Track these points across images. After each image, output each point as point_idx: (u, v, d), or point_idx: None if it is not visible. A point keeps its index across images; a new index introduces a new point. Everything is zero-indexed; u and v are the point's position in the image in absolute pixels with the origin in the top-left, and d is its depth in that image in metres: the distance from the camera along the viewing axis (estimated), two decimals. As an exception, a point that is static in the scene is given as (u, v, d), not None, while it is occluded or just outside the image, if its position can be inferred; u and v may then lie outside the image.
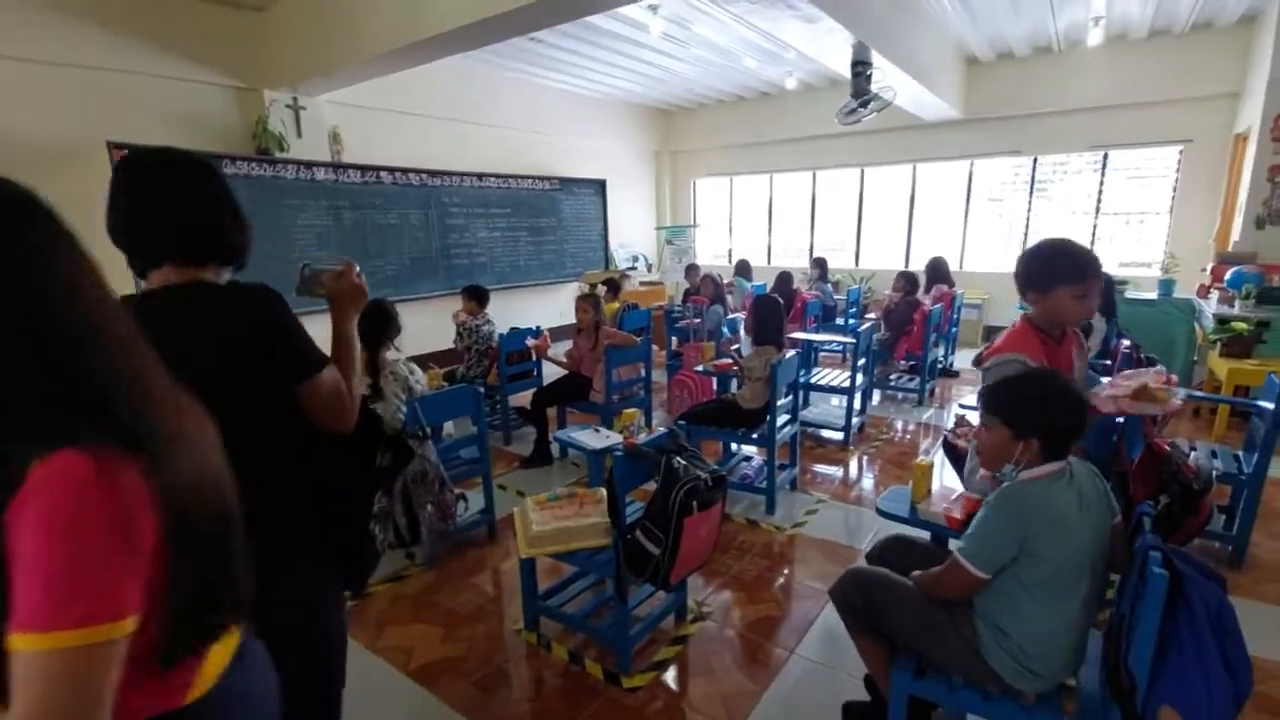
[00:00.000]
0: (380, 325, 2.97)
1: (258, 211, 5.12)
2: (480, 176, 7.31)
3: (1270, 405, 2.83)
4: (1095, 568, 1.51)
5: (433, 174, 6.78)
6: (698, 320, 5.91)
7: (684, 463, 2.05)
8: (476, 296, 4.70)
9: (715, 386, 4.37)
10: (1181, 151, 6.83)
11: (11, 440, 0.63)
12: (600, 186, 8.91)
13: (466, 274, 7.12)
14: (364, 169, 6.14)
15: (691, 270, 7.58)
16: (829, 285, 7.18)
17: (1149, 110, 6.78)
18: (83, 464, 0.63)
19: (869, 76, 5.13)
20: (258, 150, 5.35)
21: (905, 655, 1.69)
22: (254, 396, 1.14)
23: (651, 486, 2.12)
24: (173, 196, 1.15)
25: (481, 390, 3.49)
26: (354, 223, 6.12)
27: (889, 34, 5.08)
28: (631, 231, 9.85)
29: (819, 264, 7.25)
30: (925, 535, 2.14)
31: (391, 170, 6.38)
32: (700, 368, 4.12)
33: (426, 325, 5.97)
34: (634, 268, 9.40)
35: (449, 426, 3.48)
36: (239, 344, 1.13)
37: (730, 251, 10.35)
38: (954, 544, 1.72)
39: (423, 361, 3.80)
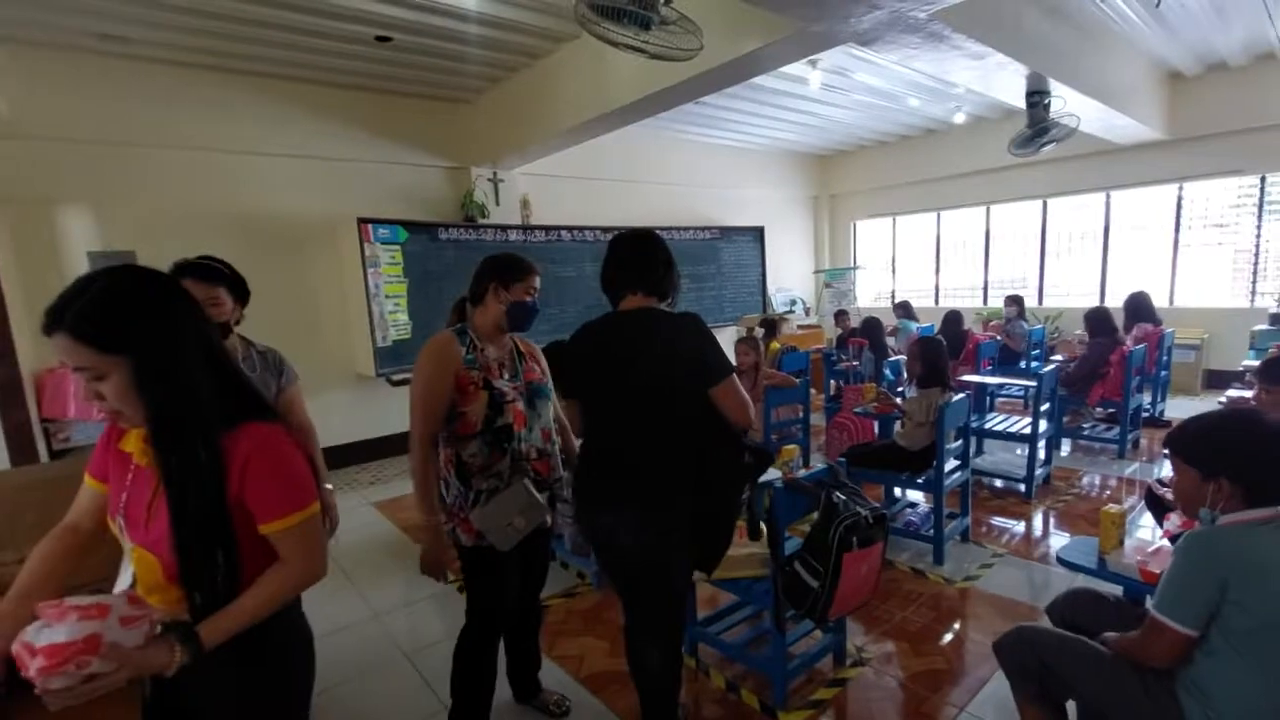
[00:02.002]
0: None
1: (462, 268, 5.98)
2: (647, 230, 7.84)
3: None
4: None
5: (605, 229, 7.41)
6: (855, 363, 5.80)
7: (844, 498, 2.11)
8: None
9: (876, 430, 4.28)
10: None
11: (211, 423, 1.06)
12: (758, 233, 9.11)
13: (630, 320, 7.59)
14: (547, 229, 6.92)
15: (841, 316, 7.44)
16: (1024, 324, 6.63)
17: None
18: (269, 428, 1.12)
19: (1047, 105, 4.85)
20: (465, 218, 6.28)
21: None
22: (686, 393, 1.69)
23: (810, 520, 2.19)
24: (641, 255, 1.81)
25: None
26: (542, 278, 6.86)
27: (1068, 60, 4.79)
28: (789, 276, 9.89)
29: (1015, 301, 6.76)
30: (1117, 590, 1.98)
31: (570, 229, 7.11)
32: (860, 409, 4.07)
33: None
34: (791, 311, 9.40)
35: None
36: (685, 351, 1.69)
37: (893, 293, 9.97)
38: (1150, 601, 1.61)
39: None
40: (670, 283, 1.82)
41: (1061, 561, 1.97)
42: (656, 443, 1.72)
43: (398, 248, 5.69)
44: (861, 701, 2.38)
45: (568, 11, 4.22)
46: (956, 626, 2.83)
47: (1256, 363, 4.91)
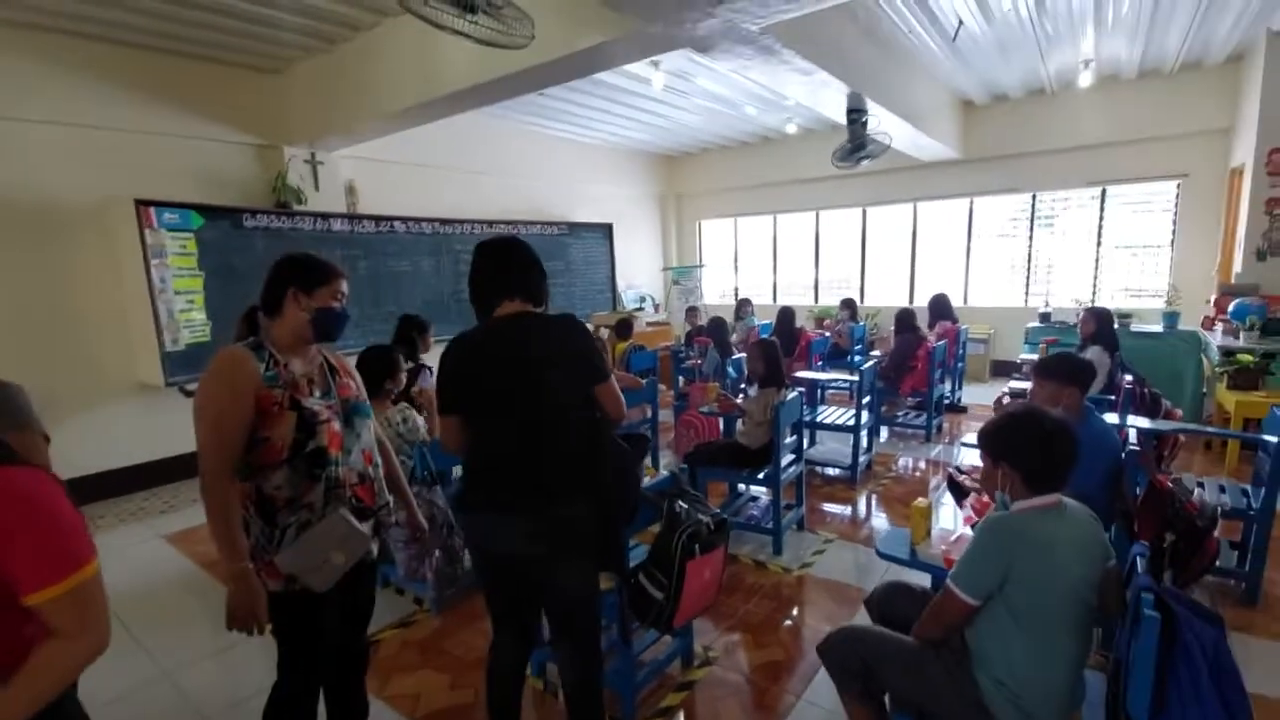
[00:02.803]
0: (379, 373, 3.04)
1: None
2: (490, 223, 7.50)
3: (1275, 439, 2.83)
4: (1088, 607, 1.53)
5: (444, 222, 6.98)
6: (699, 361, 5.97)
7: (686, 507, 2.09)
8: None
9: (722, 426, 4.41)
10: (1179, 186, 6.93)
11: None
12: (607, 230, 9.11)
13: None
14: (378, 219, 6.35)
15: (692, 313, 7.68)
16: (854, 325, 7.23)
17: (1144, 146, 6.90)
18: (12, 472, 0.93)
19: (865, 123, 5.29)
20: (277, 204, 5.56)
21: (901, 715, 1.70)
22: (579, 392, 1.78)
23: (654, 529, 2.15)
24: (516, 263, 1.82)
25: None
26: (369, 270, 6.29)
27: (883, 83, 5.26)
28: (639, 273, 10.02)
29: (848, 305, 7.34)
30: (926, 581, 2.15)
31: (404, 219, 6.58)
32: (704, 408, 4.16)
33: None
34: (641, 308, 9.53)
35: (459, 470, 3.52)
36: (575, 351, 1.77)
37: (736, 290, 10.48)
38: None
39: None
40: (545, 288, 1.85)
41: (880, 554, 2.09)
42: (557, 443, 1.75)
43: (190, 235, 4.88)
44: (708, 701, 2.39)
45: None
46: (795, 613, 2.97)
47: (1032, 356, 5.77)
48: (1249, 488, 3.09)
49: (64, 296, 4.60)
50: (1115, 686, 1.45)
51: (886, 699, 1.77)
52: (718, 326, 6.00)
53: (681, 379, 6.51)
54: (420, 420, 3.18)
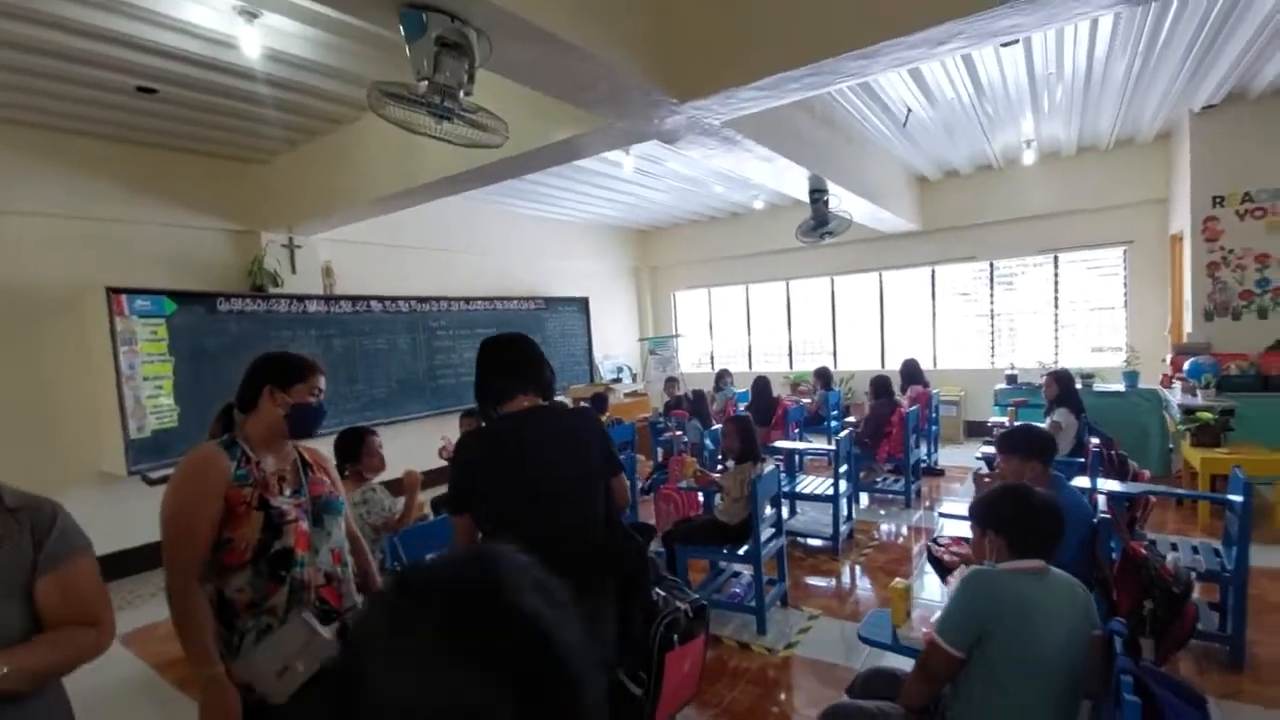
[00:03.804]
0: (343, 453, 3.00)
1: (249, 344, 5.27)
2: (467, 300, 7.60)
3: (1239, 499, 2.89)
4: (1072, 674, 1.52)
5: (421, 300, 7.05)
6: (680, 433, 5.98)
7: (664, 594, 2.04)
8: (475, 415, 4.76)
9: (701, 499, 4.37)
10: (1125, 251, 7.31)
11: None
12: (583, 304, 9.26)
13: (454, 394, 7.22)
14: (354, 299, 6.39)
15: (670, 383, 7.74)
16: (832, 391, 7.36)
17: (1089, 216, 7.31)
18: None
19: (826, 201, 5.55)
20: (252, 287, 5.58)
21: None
22: (599, 484, 1.83)
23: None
24: (529, 359, 1.84)
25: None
26: (344, 349, 6.28)
27: (841, 165, 5.56)
28: (616, 344, 10.13)
29: (821, 375, 7.46)
30: (908, 665, 2.11)
31: (381, 299, 6.64)
32: (683, 483, 4.14)
33: (413, 446, 5.97)
34: (619, 379, 9.57)
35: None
36: (596, 444, 1.84)
37: (712, 357, 10.62)
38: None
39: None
40: (554, 382, 1.89)
41: (862, 639, 2.06)
42: (581, 534, 1.78)
43: (162, 321, 4.86)
44: (695, 803, 2.27)
45: (365, 81, 4.07)
46: (781, 698, 2.87)
47: (1002, 418, 5.89)
48: (1220, 546, 3.13)
49: (35, 386, 4.52)
50: (1104, 772, 1.43)
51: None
52: (699, 399, 6.05)
53: (660, 450, 6.48)
54: (388, 501, 3.09)
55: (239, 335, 5.33)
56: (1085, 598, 1.65)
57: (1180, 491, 4.68)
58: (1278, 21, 4.00)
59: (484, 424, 1.86)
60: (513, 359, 1.82)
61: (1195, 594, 2.58)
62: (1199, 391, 5.21)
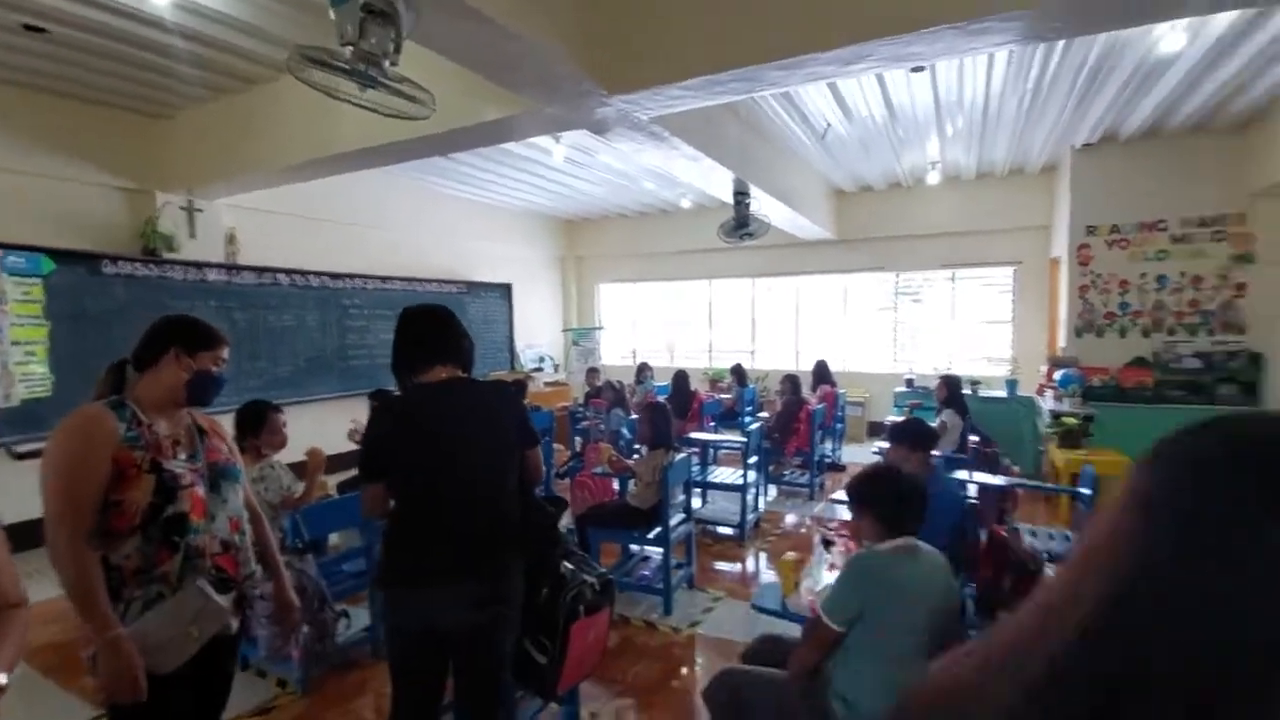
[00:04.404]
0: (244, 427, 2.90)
1: (141, 312, 4.89)
2: (384, 279, 7.36)
3: (1088, 491, 3.27)
4: (935, 635, 1.69)
5: (334, 276, 6.77)
6: (597, 421, 6.05)
7: (571, 568, 2.10)
8: (384, 396, 4.63)
9: (616, 486, 4.45)
10: (1015, 271, 7.99)
11: None
12: (506, 290, 9.16)
13: (367, 375, 6.98)
14: (260, 270, 6.06)
15: (592, 374, 7.80)
16: (747, 388, 7.60)
17: (985, 236, 7.94)
18: None
19: (748, 204, 5.77)
20: (144, 250, 5.19)
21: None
22: (514, 456, 1.85)
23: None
24: (448, 331, 1.85)
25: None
26: (246, 323, 5.95)
27: (763, 170, 5.79)
28: (538, 333, 10.07)
29: (737, 372, 7.69)
30: (797, 631, 2.28)
31: (289, 272, 6.32)
32: (598, 469, 4.21)
33: (320, 428, 5.73)
34: (540, 368, 9.54)
35: (335, 538, 3.33)
36: (513, 416, 1.86)
37: (634, 352, 10.75)
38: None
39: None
40: (473, 355, 1.89)
41: (754, 607, 2.20)
42: (495, 506, 1.79)
43: (38, 281, 4.45)
44: (594, 773, 2.34)
45: (286, 42, 3.89)
46: (683, 673, 2.99)
47: (899, 418, 6.32)
48: (1070, 533, 3.52)
49: None
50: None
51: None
52: (620, 390, 6.14)
53: (579, 439, 6.53)
54: (286, 479, 3.00)
55: (127, 301, 4.95)
56: (949, 572, 1.84)
57: (1041, 485, 5.20)
58: (1143, 73, 4.51)
59: (399, 393, 1.85)
60: (432, 329, 1.83)
61: (1049, 573, 2.91)
62: (1066, 400, 5.79)
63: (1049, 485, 5.03)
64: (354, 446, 4.74)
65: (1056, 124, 5.68)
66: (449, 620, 1.71)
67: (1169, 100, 5.05)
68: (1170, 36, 3.69)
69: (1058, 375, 6.04)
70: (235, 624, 1.69)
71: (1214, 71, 4.48)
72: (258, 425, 2.95)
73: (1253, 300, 5.83)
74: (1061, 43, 3.95)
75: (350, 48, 2.18)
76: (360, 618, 3.11)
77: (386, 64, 2.26)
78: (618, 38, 3.17)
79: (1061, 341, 6.74)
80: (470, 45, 2.68)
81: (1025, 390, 6.78)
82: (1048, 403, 6.07)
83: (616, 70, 3.20)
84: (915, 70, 4.27)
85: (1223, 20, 3.65)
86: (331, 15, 2.16)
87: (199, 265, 5.56)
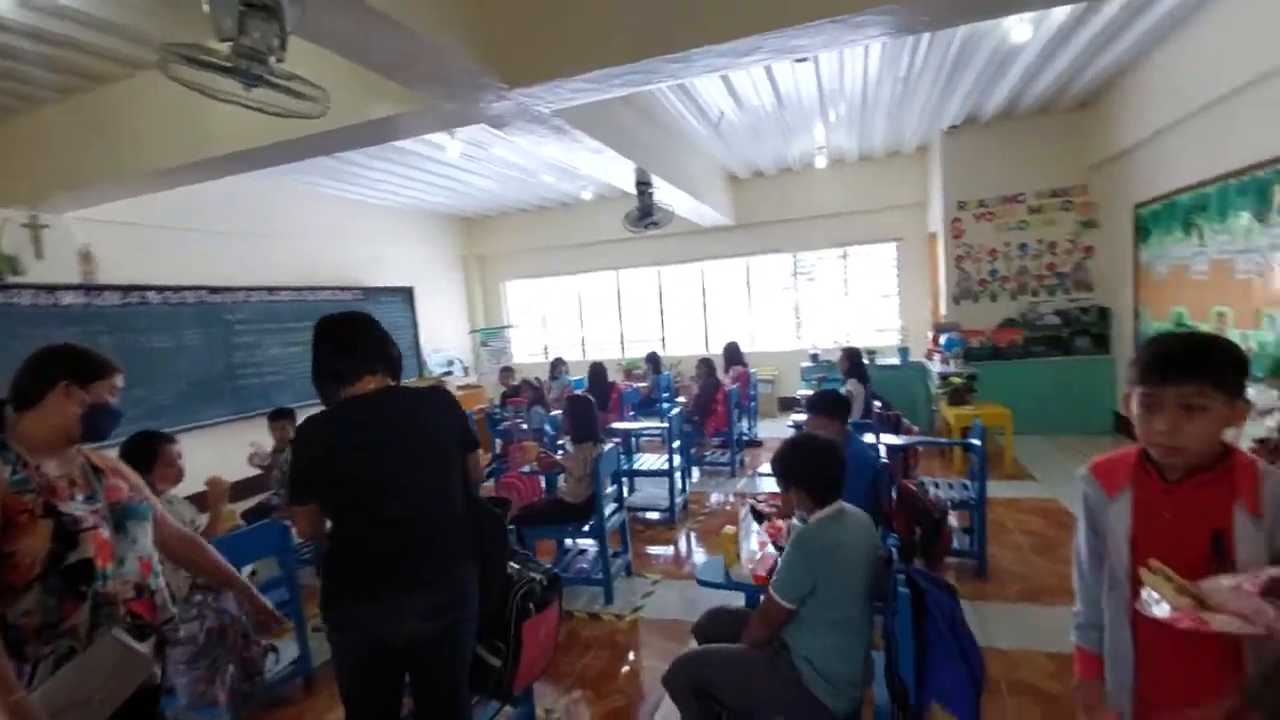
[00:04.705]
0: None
1: (-20, 346, 4.32)
2: (271, 290, 6.87)
3: (978, 442, 3.60)
4: (869, 587, 1.84)
5: (213, 290, 6.24)
6: (518, 420, 5.97)
7: (517, 566, 2.10)
8: (285, 416, 4.35)
9: (544, 484, 4.43)
10: (897, 246, 8.60)
11: None
12: (408, 294, 8.80)
13: (261, 395, 6.52)
14: (125, 289, 5.49)
15: (506, 373, 7.68)
16: (663, 375, 7.71)
17: (870, 215, 8.48)
18: None
19: (651, 194, 5.86)
20: (-20, 276, 4.57)
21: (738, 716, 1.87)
22: (456, 460, 1.81)
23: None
24: (375, 338, 1.78)
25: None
26: (115, 348, 5.20)
27: (663, 160, 5.90)
28: (445, 336, 9.75)
29: (652, 360, 7.76)
30: (741, 599, 2.39)
31: (160, 289, 5.77)
32: (526, 468, 4.17)
33: (217, 455, 5.30)
34: (450, 372, 9.26)
35: (251, 567, 3.11)
36: (453, 421, 1.83)
37: (546, 348, 10.66)
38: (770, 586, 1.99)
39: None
40: (401, 362, 1.85)
41: (700, 581, 2.29)
42: (445, 513, 1.76)
43: None
44: (554, 768, 2.35)
45: (144, 37, 3.53)
46: (631, 658, 3.05)
47: (808, 390, 6.66)
48: (968, 483, 3.87)
49: None
50: (890, 658, 1.76)
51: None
52: (534, 386, 6.07)
53: (499, 441, 6.41)
54: (188, 513, 2.79)
55: (-37, 335, 4.35)
56: (872, 527, 1.99)
57: (937, 440, 5.68)
58: (998, 60, 4.98)
59: (325, 408, 1.75)
60: (355, 338, 1.74)
61: (952, 520, 3.20)
62: (951, 362, 6.33)
63: (944, 440, 5.49)
64: (257, 471, 4.47)
65: (926, 108, 6.15)
66: (404, 635, 1.65)
67: (1020, 85, 5.60)
68: (1019, 28, 4.10)
69: (942, 340, 6.58)
70: (159, 672, 1.57)
71: (1055, 59, 5.02)
72: (149, 459, 2.69)
73: (1099, 261, 6.61)
74: (928, 35, 4.29)
75: (229, 43, 2.03)
76: (289, 650, 2.93)
77: (272, 60, 2.12)
78: (516, 31, 3.13)
79: (943, 309, 7.35)
80: (362, 41, 2.55)
81: (915, 356, 7.34)
82: (936, 366, 6.61)
83: (516, 63, 3.16)
84: (800, 61, 4.49)
85: (1061, 13, 4.10)
86: (205, 9, 1.99)
87: (50, 288, 4.97)
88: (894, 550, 1.88)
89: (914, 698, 1.65)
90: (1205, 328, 4.53)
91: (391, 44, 2.60)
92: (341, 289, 7.73)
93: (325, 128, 3.54)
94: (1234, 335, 4.24)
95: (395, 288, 8.60)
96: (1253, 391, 2.03)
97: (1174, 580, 1.07)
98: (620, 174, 5.62)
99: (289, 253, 7.20)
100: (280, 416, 4.37)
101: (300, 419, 4.44)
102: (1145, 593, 1.11)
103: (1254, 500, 1.13)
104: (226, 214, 6.42)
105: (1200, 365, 1.13)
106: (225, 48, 2.04)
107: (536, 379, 6.59)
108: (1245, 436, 2.32)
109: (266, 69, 2.10)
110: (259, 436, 4.53)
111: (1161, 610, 1.07)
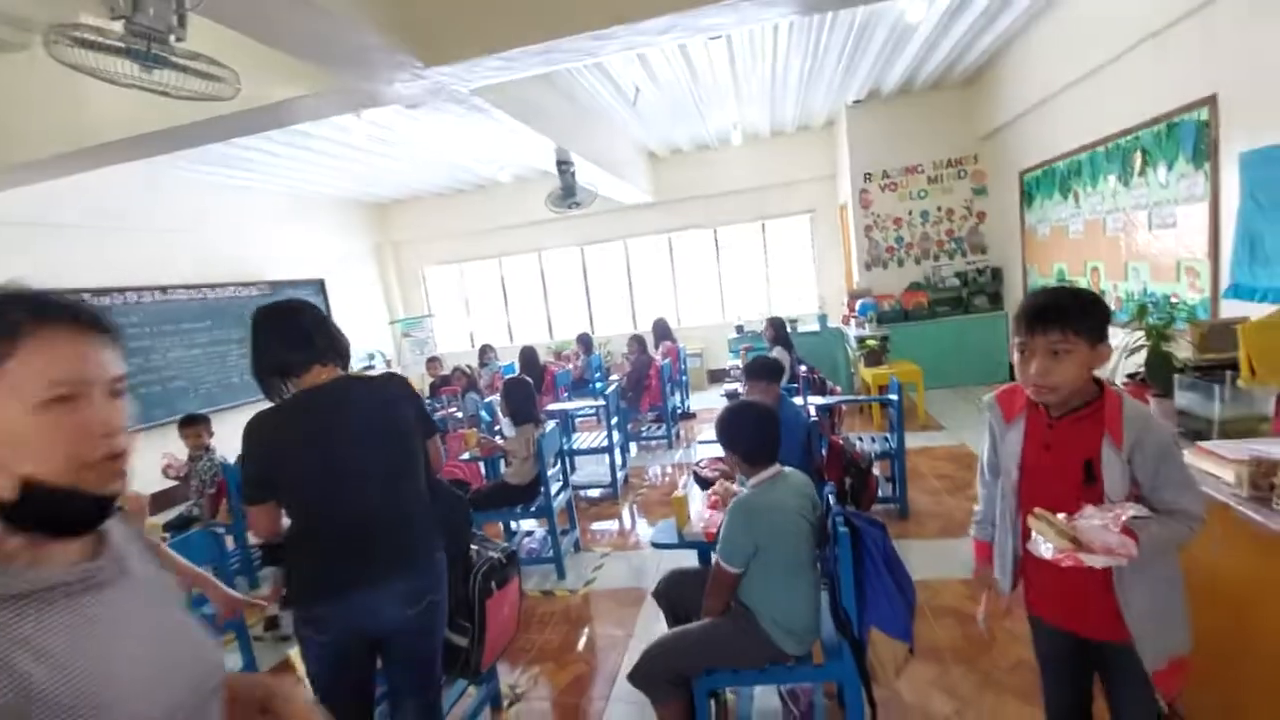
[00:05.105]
0: None
1: None
2: (164, 289, 6.38)
3: (895, 398, 3.89)
4: (811, 536, 1.98)
5: (97, 293, 5.72)
6: (451, 409, 5.88)
7: (476, 547, 2.12)
8: (199, 422, 4.11)
9: (484, 470, 4.41)
10: (810, 218, 8.96)
11: None
12: (319, 286, 8.39)
13: (163, 402, 6.09)
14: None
15: (433, 363, 7.50)
16: (593, 356, 7.71)
17: (784, 189, 8.79)
18: None
19: (573, 173, 5.84)
20: None
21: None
22: (418, 446, 1.81)
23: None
24: (323, 327, 1.73)
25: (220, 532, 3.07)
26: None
27: (583, 138, 5.88)
28: (363, 328, 9.36)
29: (583, 341, 7.74)
30: (694, 557, 2.51)
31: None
32: (466, 455, 4.14)
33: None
34: (371, 366, 8.93)
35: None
36: (411, 408, 1.81)
37: (472, 335, 10.44)
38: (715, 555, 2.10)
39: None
40: (349, 350, 1.82)
41: (655, 545, 2.40)
42: (412, 499, 1.75)
43: None
44: (522, 739, 2.42)
45: (17, 19, 3.19)
46: (588, 629, 3.13)
47: (736, 361, 6.90)
48: (888, 435, 4.17)
49: None
50: (833, 595, 1.92)
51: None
52: (466, 373, 5.98)
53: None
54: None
55: None
56: (810, 486, 2.13)
57: (858, 398, 6.05)
58: (895, 38, 5.27)
59: (276, 402, 1.69)
60: (302, 328, 1.67)
61: (876, 470, 3.46)
62: (866, 325, 6.72)
63: (864, 398, 5.86)
64: (172, 483, 4.21)
65: (832, 84, 6.42)
66: (378, 623, 1.65)
67: (915, 62, 5.94)
68: (913, 7, 4.34)
69: (857, 306, 6.96)
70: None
71: (945, 36, 5.36)
72: None
73: (990, 225, 7.15)
74: (832, 14, 4.47)
75: (123, 21, 1.89)
76: (232, 660, 2.82)
77: (172, 39, 1.99)
78: (432, 8, 3.04)
79: (856, 276, 7.76)
80: (267, 19, 2.42)
81: (834, 322, 7.73)
82: (852, 330, 6.99)
83: (432, 42, 3.07)
84: (714, 38, 4.58)
85: (949, -8, 4.39)
86: (93, -17, 1.85)
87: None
88: (831, 498, 2.04)
89: (857, 627, 1.81)
90: (1082, 282, 5.04)
91: (303, 22, 2.48)
92: (244, 284, 7.27)
93: (223, 111, 3.32)
94: (1106, 286, 4.75)
95: (305, 280, 8.18)
96: (1122, 334, 2.32)
97: (1055, 525, 1.26)
98: (540, 153, 5.56)
99: (182, 248, 6.69)
100: (193, 423, 4.14)
101: (213, 423, 4.24)
102: (1034, 536, 1.30)
103: (1118, 432, 1.31)
104: (107, 208, 5.88)
105: (1063, 315, 1.30)
106: (119, 27, 1.90)
107: (468, 366, 6.48)
108: (1120, 374, 2.63)
109: (168, 49, 1.97)
110: (172, 447, 4.26)
111: (1047, 551, 1.26)
